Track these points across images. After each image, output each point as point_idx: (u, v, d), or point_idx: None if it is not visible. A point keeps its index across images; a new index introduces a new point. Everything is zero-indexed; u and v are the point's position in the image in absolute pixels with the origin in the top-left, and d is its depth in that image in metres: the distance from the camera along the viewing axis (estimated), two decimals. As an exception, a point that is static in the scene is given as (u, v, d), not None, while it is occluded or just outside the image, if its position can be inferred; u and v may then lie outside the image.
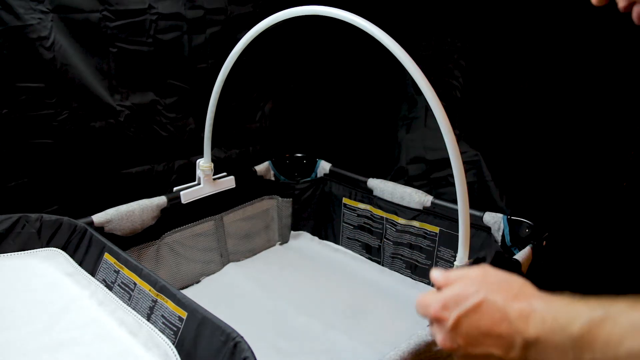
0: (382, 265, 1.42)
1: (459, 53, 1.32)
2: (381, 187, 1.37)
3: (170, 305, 0.81)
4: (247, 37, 1.05)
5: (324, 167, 1.54)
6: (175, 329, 0.78)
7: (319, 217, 1.56)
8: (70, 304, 0.84)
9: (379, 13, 1.07)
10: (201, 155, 1.29)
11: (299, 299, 1.28)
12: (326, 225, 1.56)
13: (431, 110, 0.81)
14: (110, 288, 0.90)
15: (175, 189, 1.29)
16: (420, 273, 1.34)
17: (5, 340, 0.74)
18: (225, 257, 1.43)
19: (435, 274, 0.52)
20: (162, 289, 0.83)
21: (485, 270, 0.49)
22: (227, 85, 1.16)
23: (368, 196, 1.43)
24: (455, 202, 0.84)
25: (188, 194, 1.29)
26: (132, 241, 1.19)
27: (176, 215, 1.28)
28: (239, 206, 1.45)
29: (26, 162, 1.10)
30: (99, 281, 0.91)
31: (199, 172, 1.32)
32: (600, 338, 0.37)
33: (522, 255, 1.02)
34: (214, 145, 1.29)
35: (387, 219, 1.38)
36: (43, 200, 1.13)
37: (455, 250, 0.89)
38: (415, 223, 1.31)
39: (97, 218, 1.11)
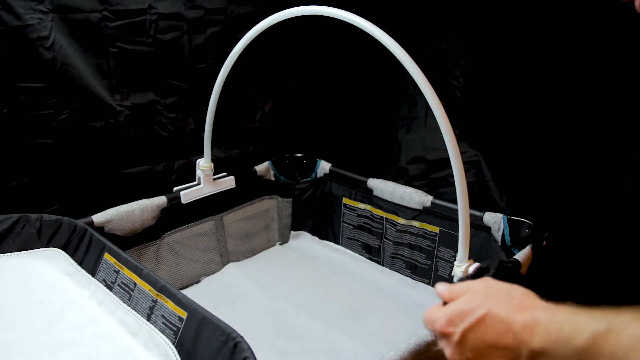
0: (382, 265, 1.42)
1: (459, 53, 1.32)
2: (381, 187, 1.37)
3: (170, 305, 0.81)
4: (247, 37, 1.05)
5: (324, 167, 1.54)
6: (175, 329, 0.78)
7: (319, 217, 1.56)
8: (70, 304, 0.84)
9: (379, 13, 1.07)
10: (201, 155, 1.29)
11: (299, 299, 1.28)
12: (326, 225, 1.56)
13: (431, 110, 0.81)
14: (110, 288, 0.90)
15: (175, 189, 1.29)
16: (420, 273, 1.34)
17: (5, 340, 0.74)
18: (225, 257, 1.43)
19: (440, 287, 0.53)
20: (162, 289, 0.83)
21: (487, 283, 0.50)
22: (227, 85, 1.16)
23: (368, 196, 1.43)
24: (455, 202, 0.84)
25: (188, 194, 1.29)
26: (132, 241, 1.19)
27: (176, 215, 1.28)
28: (239, 206, 1.45)
29: (26, 162, 1.10)
30: (99, 281, 0.91)
31: (199, 172, 1.32)
32: (605, 351, 0.37)
33: (522, 255, 1.02)
34: (214, 145, 1.29)
35: (387, 219, 1.38)
36: (43, 200, 1.13)
37: (455, 250, 0.89)
38: (415, 223, 1.31)
39: (97, 218, 1.11)
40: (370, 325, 1.19)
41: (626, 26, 1.04)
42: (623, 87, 1.12)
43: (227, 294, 1.31)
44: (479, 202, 1.26)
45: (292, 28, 1.22)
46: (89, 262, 0.96)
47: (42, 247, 0.98)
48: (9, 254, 0.95)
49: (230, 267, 1.42)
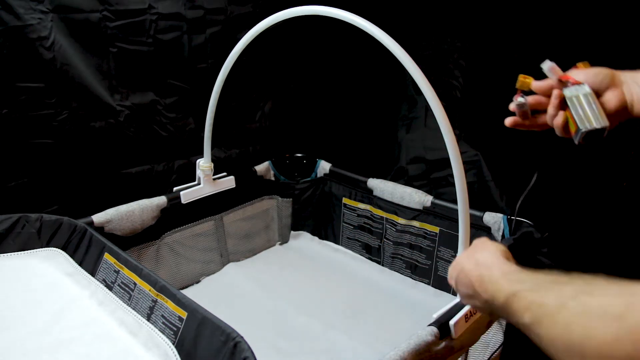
0: (382, 265, 1.42)
1: (459, 53, 1.32)
2: (381, 187, 1.37)
3: (170, 305, 0.81)
4: (247, 37, 1.05)
5: (324, 167, 1.54)
6: (175, 329, 0.78)
7: (319, 217, 1.56)
8: (70, 304, 0.84)
9: (379, 13, 1.07)
10: (201, 155, 1.29)
11: (299, 299, 1.28)
12: (326, 225, 1.56)
13: (431, 110, 0.81)
14: (110, 288, 0.90)
15: (175, 189, 1.29)
16: (420, 273, 1.34)
17: (5, 340, 0.74)
18: (225, 257, 1.43)
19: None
20: (162, 289, 0.83)
21: (475, 243, 0.68)
22: (227, 85, 1.16)
23: (368, 196, 1.43)
24: (455, 202, 0.84)
25: (188, 194, 1.29)
26: (132, 241, 1.19)
27: (176, 215, 1.28)
28: (239, 206, 1.45)
29: (26, 162, 1.10)
30: (99, 281, 0.91)
31: (199, 172, 1.32)
32: (512, 309, 0.49)
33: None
34: (214, 145, 1.29)
35: (387, 219, 1.38)
36: (43, 200, 1.14)
37: (455, 250, 0.89)
38: (415, 223, 1.31)
39: (97, 218, 1.11)
40: (370, 325, 1.19)
41: (625, 25, 1.04)
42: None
43: (227, 294, 1.31)
44: (479, 202, 1.26)
45: (292, 28, 1.22)
46: (89, 262, 0.96)
47: (42, 247, 0.98)
48: (9, 254, 0.95)
49: (230, 267, 1.42)
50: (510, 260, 0.60)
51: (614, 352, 0.36)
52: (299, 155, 1.57)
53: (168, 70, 1.28)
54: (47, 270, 0.92)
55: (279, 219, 1.56)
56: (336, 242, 1.54)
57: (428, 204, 1.28)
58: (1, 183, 1.07)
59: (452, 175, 0.83)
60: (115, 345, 0.75)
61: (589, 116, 0.63)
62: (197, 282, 1.36)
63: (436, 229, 1.28)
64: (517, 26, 1.22)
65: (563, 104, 0.66)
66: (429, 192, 1.32)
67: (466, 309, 0.85)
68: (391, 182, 1.37)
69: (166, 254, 1.28)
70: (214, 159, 1.32)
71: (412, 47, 0.87)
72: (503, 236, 1.14)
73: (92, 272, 0.94)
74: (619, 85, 0.64)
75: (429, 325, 0.81)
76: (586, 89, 0.64)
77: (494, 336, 1.03)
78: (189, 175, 1.34)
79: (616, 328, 0.37)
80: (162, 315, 0.81)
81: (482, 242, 0.68)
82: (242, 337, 0.69)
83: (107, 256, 0.94)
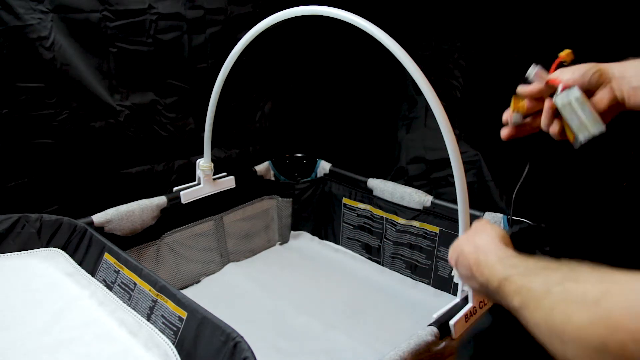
0: (382, 265, 1.42)
1: (459, 53, 1.32)
2: (381, 187, 1.37)
3: (170, 305, 0.81)
4: (247, 37, 1.05)
5: (324, 167, 1.54)
6: (175, 329, 0.78)
7: (319, 217, 1.56)
8: (70, 304, 0.84)
9: (379, 13, 1.07)
10: (201, 155, 1.29)
11: (299, 299, 1.28)
12: (326, 225, 1.56)
13: (431, 110, 0.81)
14: (110, 288, 0.90)
15: (175, 189, 1.29)
16: (420, 273, 1.34)
17: (5, 340, 0.74)
18: (225, 257, 1.43)
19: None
20: (162, 289, 0.83)
21: (475, 226, 0.71)
22: (227, 85, 1.16)
23: (368, 196, 1.43)
24: (455, 202, 0.84)
25: (188, 194, 1.29)
26: (132, 241, 1.19)
27: (176, 215, 1.28)
28: (239, 206, 1.45)
29: (26, 162, 1.10)
30: (99, 281, 0.91)
31: (199, 172, 1.32)
32: (504, 292, 0.51)
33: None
34: (214, 145, 1.29)
35: (387, 219, 1.38)
36: (43, 200, 1.14)
37: (455, 250, 0.89)
38: (415, 223, 1.31)
39: (97, 218, 1.11)
40: (370, 325, 1.19)
41: (626, 24, 1.04)
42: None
43: (227, 294, 1.31)
44: (479, 202, 1.26)
45: (292, 28, 1.22)
46: (89, 262, 0.96)
47: (42, 247, 0.98)
48: (9, 254, 0.95)
49: (230, 267, 1.42)
50: (508, 245, 0.62)
51: (589, 336, 0.37)
52: (299, 155, 1.57)
53: (168, 70, 1.28)
54: (47, 270, 0.92)
55: (279, 219, 1.56)
56: (336, 242, 1.54)
57: (428, 204, 1.28)
58: (1, 183, 1.07)
59: (452, 175, 0.83)
60: (115, 346, 0.75)
61: (585, 124, 0.63)
62: (197, 282, 1.36)
63: (436, 229, 1.28)
64: (517, 26, 1.22)
65: (557, 112, 0.66)
66: (429, 192, 1.32)
67: (466, 309, 0.85)
68: (391, 182, 1.37)
69: (166, 254, 1.28)
70: (214, 159, 1.32)
71: (412, 47, 0.87)
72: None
73: (92, 272, 0.94)
74: (608, 81, 0.63)
75: (429, 325, 0.81)
76: (576, 92, 0.63)
77: (494, 336, 1.03)
78: (189, 175, 1.34)
79: (592, 313, 0.38)
80: (162, 315, 0.81)
81: (482, 224, 0.70)
82: (242, 337, 0.69)
83: (107, 256, 0.94)
